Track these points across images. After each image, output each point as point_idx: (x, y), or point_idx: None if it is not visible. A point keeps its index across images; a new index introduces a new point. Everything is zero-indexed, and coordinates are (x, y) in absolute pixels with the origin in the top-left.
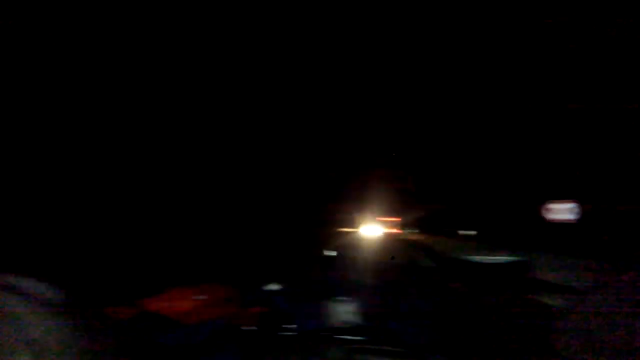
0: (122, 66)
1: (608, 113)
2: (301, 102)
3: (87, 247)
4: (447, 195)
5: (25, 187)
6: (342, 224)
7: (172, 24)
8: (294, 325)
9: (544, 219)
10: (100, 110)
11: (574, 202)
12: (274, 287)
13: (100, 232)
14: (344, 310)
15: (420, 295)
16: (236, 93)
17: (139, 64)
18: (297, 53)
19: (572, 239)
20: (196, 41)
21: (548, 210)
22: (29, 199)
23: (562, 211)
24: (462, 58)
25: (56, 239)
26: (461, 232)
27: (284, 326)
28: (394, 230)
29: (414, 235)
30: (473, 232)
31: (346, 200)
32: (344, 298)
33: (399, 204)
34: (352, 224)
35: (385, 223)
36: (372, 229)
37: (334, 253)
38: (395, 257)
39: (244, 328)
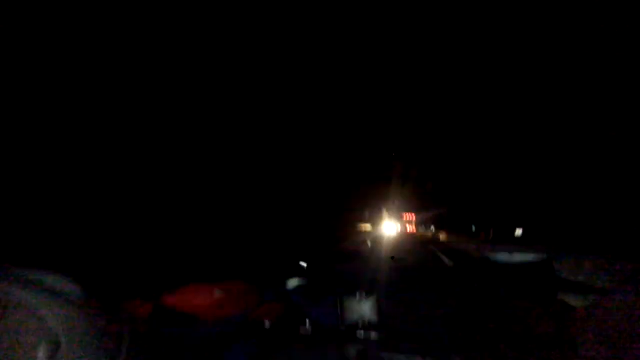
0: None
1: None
2: (328, 102)
3: (106, 242)
4: (464, 195)
5: (44, 182)
6: (359, 221)
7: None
8: (313, 322)
9: None
10: (125, 106)
11: None
12: (292, 283)
13: (119, 227)
14: (364, 307)
15: (441, 294)
16: (264, 91)
17: (148, 65)
18: (320, 55)
19: None
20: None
21: None
22: (48, 195)
23: None
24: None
25: (75, 234)
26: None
27: (302, 322)
28: (412, 228)
29: (431, 233)
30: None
31: (364, 197)
32: (364, 294)
33: (417, 202)
34: (370, 221)
35: (403, 221)
36: (390, 227)
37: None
38: (407, 257)
39: (262, 324)
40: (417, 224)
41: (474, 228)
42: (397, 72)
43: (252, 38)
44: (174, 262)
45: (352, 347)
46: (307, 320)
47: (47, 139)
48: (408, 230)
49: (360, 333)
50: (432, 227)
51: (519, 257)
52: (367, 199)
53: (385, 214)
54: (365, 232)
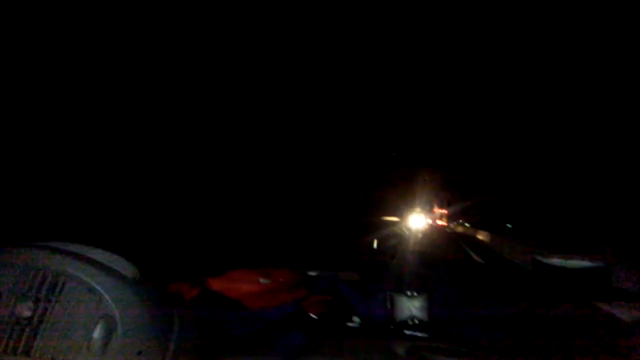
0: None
1: None
2: (359, 95)
3: (158, 224)
4: (494, 188)
5: (99, 165)
6: (387, 214)
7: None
8: (361, 317)
9: None
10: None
11: None
12: (342, 276)
13: (170, 209)
14: (412, 305)
15: (493, 296)
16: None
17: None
18: (347, 45)
19: None
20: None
21: None
22: (105, 181)
23: None
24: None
25: (129, 215)
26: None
27: (350, 317)
28: (441, 223)
29: (461, 228)
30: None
31: (393, 191)
32: (413, 292)
33: (446, 196)
34: (398, 214)
35: (432, 214)
36: (418, 220)
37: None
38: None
39: (309, 316)
40: (449, 218)
41: (509, 225)
42: (426, 64)
43: (275, 28)
44: (221, 247)
45: (401, 344)
46: (356, 315)
47: (111, 137)
48: (439, 224)
49: (409, 331)
50: (462, 221)
51: (574, 263)
52: (396, 193)
53: (414, 207)
54: (393, 225)
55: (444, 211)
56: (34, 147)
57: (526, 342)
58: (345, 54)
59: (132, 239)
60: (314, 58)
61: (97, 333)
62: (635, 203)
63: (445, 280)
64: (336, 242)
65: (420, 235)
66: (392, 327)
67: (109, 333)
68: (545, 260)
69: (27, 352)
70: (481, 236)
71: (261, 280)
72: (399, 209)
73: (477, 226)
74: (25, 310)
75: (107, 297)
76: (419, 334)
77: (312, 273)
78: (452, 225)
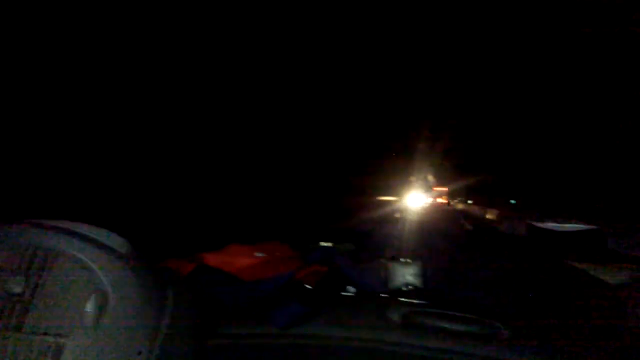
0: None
1: None
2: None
3: (151, 200)
4: (496, 163)
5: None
6: (382, 193)
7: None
8: (356, 285)
9: None
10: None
11: None
12: (334, 246)
13: (164, 186)
14: (406, 273)
15: (487, 261)
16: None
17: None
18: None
19: None
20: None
21: None
22: (97, 158)
23: None
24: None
25: (123, 192)
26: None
27: (345, 286)
28: (441, 200)
29: (461, 205)
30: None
31: (388, 168)
32: (407, 260)
33: (446, 173)
34: (394, 193)
35: (431, 192)
36: (417, 198)
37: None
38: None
39: (304, 286)
40: (449, 195)
41: (513, 201)
42: (425, 40)
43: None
44: (214, 223)
45: (396, 311)
46: (351, 284)
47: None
48: (439, 201)
49: (404, 298)
50: (464, 199)
51: (568, 226)
52: (391, 168)
53: (412, 184)
54: (388, 204)
55: (444, 189)
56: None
57: (520, 304)
58: (337, 19)
59: (126, 216)
60: (300, 29)
61: (89, 308)
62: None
63: (439, 248)
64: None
65: (417, 216)
66: (387, 294)
67: (101, 308)
68: (539, 224)
69: (18, 328)
70: (482, 211)
71: (257, 254)
72: (397, 188)
73: (479, 203)
74: (16, 287)
75: (99, 272)
76: (413, 301)
77: (308, 245)
78: (452, 203)
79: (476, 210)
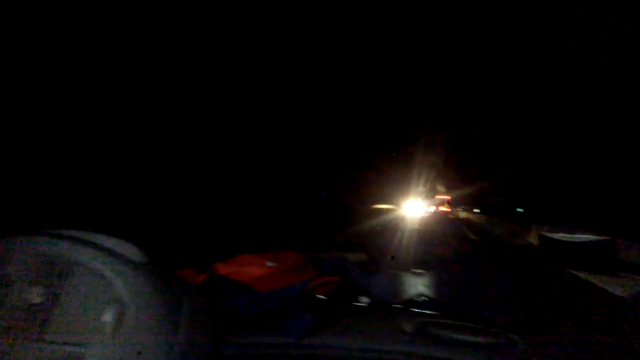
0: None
1: None
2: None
3: (165, 211)
4: (501, 169)
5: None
6: (379, 201)
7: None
8: (368, 296)
9: None
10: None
11: None
12: (349, 257)
13: (177, 196)
14: (419, 283)
15: (499, 273)
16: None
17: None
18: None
19: None
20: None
21: None
22: (112, 170)
23: None
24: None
25: (137, 203)
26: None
27: (357, 297)
28: (443, 209)
29: (464, 214)
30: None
31: (385, 173)
32: (421, 271)
33: (451, 178)
34: (391, 201)
35: (432, 200)
36: (415, 207)
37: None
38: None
39: (316, 297)
40: (451, 203)
41: (520, 210)
42: (428, 24)
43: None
44: (226, 233)
45: (409, 322)
46: (364, 295)
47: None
48: (441, 210)
49: (417, 309)
50: (467, 207)
51: (579, 237)
52: (387, 174)
53: (413, 191)
54: (386, 213)
55: (447, 196)
56: (39, 139)
57: (531, 316)
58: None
59: (138, 227)
60: (299, 29)
61: (107, 317)
62: None
63: (468, 260)
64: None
65: (418, 226)
66: (399, 305)
67: (119, 317)
68: (550, 235)
69: (39, 338)
70: (489, 221)
71: (268, 263)
72: (394, 195)
73: (483, 211)
74: (37, 297)
75: (116, 282)
76: (426, 311)
77: (320, 255)
78: (454, 211)
79: (482, 219)
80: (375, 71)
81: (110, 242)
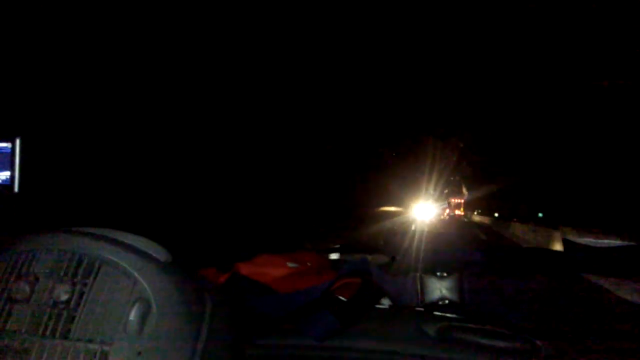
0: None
1: None
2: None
3: (189, 210)
4: (520, 171)
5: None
6: (386, 204)
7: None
8: (391, 299)
9: None
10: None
11: None
12: (370, 258)
13: (201, 196)
14: (444, 286)
15: (524, 277)
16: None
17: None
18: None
19: None
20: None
21: None
22: (137, 173)
23: None
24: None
25: (162, 202)
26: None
27: (379, 299)
28: (458, 212)
29: (479, 217)
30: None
31: (393, 173)
32: (445, 273)
33: (464, 180)
34: (399, 204)
35: (445, 203)
36: (426, 210)
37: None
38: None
39: (338, 298)
40: (466, 207)
41: (540, 214)
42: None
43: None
44: (248, 233)
45: (432, 325)
46: (385, 297)
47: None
48: (455, 213)
49: (440, 312)
50: (482, 211)
51: (604, 242)
52: (398, 175)
53: (423, 193)
54: (393, 217)
55: (460, 200)
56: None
57: (556, 321)
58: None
59: (160, 226)
60: (299, 43)
61: (132, 316)
62: None
63: (493, 263)
64: None
65: (429, 229)
66: (422, 308)
67: (144, 315)
68: (575, 240)
69: (65, 335)
70: (506, 226)
71: (289, 264)
72: (403, 196)
73: (501, 216)
74: (62, 294)
75: (141, 280)
76: (449, 315)
77: (340, 256)
78: (469, 215)
79: (499, 223)
80: (385, 67)
81: (135, 240)
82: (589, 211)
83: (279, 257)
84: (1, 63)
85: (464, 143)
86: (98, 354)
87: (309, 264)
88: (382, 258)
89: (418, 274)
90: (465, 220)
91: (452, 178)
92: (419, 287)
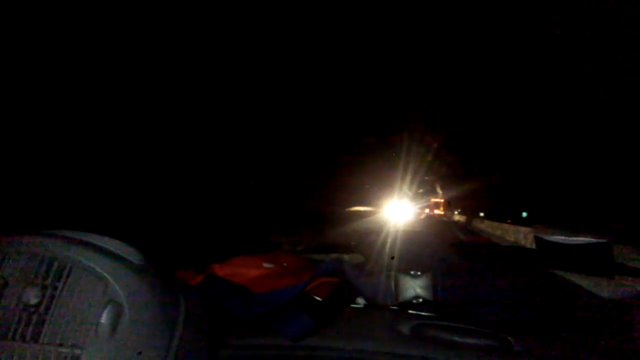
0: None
1: None
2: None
3: (162, 212)
4: (503, 169)
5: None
6: (356, 203)
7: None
8: (366, 298)
9: None
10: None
11: None
12: (346, 259)
13: (173, 197)
14: (416, 285)
15: (495, 276)
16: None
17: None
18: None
19: None
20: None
21: None
22: (108, 171)
23: None
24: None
25: (134, 203)
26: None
27: (354, 298)
28: (438, 212)
29: (459, 217)
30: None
31: (366, 170)
32: (419, 272)
33: (442, 178)
34: (370, 203)
35: (422, 202)
36: (401, 209)
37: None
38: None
39: (313, 298)
40: (446, 206)
41: (525, 214)
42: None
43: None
44: (222, 234)
45: (406, 324)
46: (360, 296)
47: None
48: (435, 213)
49: (414, 310)
50: (461, 210)
51: (576, 240)
52: (370, 173)
53: (397, 192)
54: (365, 217)
55: (440, 200)
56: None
57: (527, 318)
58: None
59: (134, 228)
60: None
61: (104, 319)
62: None
63: (467, 262)
64: None
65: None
66: (396, 307)
67: (116, 319)
68: (547, 238)
69: (35, 339)
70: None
71: (265, 265)
72: (375, 195)
73: (486, 215)
74: (32, 298)
75: (114, 283)
76: (423, 314)
77: (316, 257)
78: (449, 214)
79: (478, 222)
80: (357, 63)
81: (107, 243)
82: (570, 210)
83: (254, 258)
84: None
85: (438, 143)
86: (69, 358)
87: (284, 264)
88: (356, 257)
89: (392, 273)
90: (445, 220)
91: (426, 178)
92: (393, 286)
